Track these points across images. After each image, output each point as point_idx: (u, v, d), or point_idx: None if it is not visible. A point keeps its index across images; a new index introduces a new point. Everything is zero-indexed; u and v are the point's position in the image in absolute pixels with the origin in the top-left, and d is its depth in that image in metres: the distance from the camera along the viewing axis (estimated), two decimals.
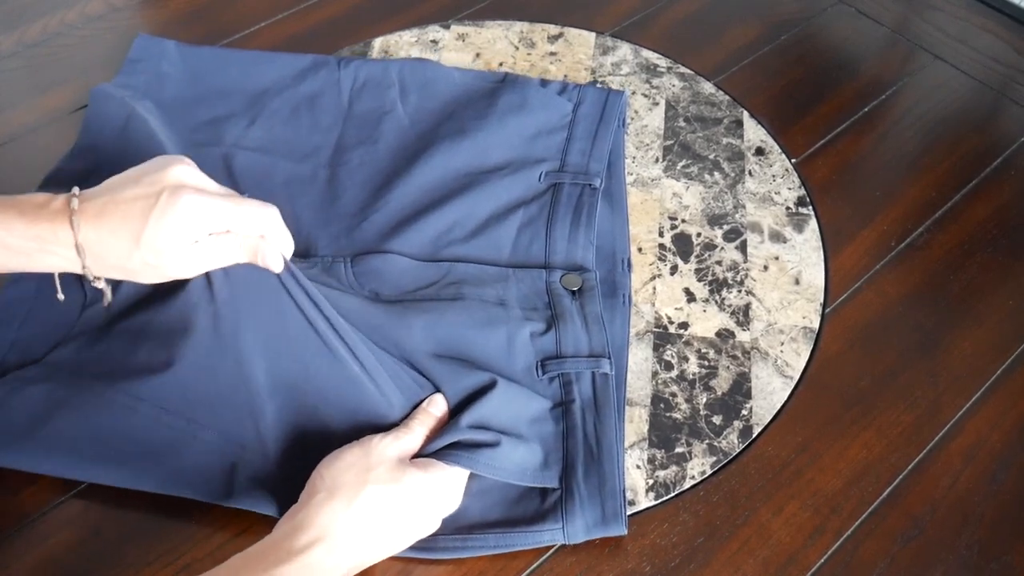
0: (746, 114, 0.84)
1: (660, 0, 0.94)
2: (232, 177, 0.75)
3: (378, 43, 0.89)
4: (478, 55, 0.88)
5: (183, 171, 0.54)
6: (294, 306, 0.57)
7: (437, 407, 0.60)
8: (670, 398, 0.65)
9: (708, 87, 0.86)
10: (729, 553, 0.58)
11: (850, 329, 0.69)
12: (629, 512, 0.59)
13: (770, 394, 0.66)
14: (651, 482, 0.61)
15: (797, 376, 0.67)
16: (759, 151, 0.81)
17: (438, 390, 0.61)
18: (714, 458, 0.62)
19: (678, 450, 0.63)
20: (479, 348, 0.64)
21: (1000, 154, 0.82)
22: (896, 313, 0.71)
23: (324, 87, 0.82)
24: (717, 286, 0.72)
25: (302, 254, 0.70)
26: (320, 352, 0.58)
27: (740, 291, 0.71)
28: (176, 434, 0.58)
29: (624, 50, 0.89)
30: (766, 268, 0.73)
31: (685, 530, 0.59)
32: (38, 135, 0.79)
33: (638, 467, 0.62)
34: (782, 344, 0.68)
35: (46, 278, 0.57)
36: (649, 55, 0.89)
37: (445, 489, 0.56)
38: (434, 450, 0.57)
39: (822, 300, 0.71)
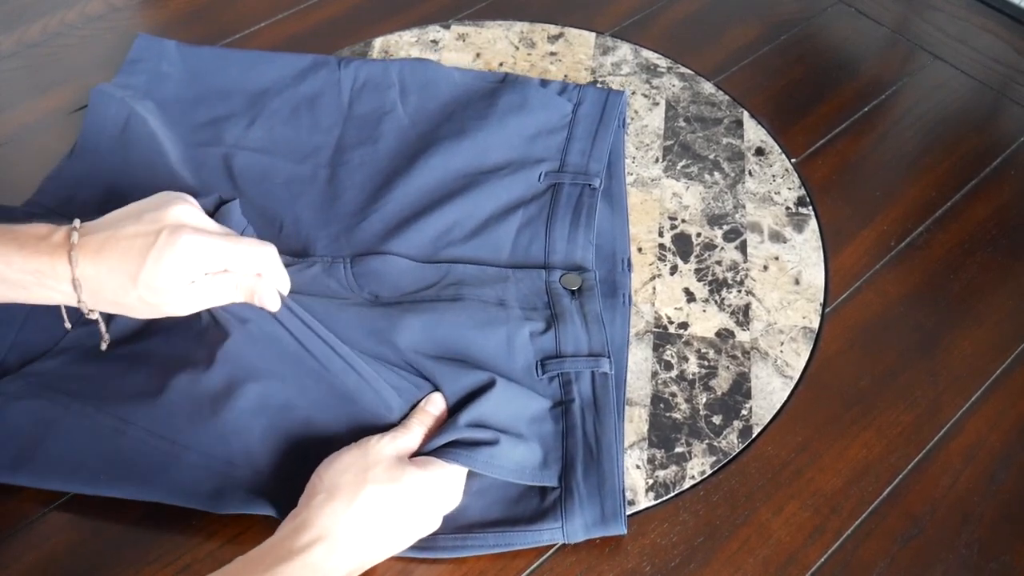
0: (746, 114, 0.84)
1: (660, 0, 0.94)
2: (232, 177, 0.75)
3: (378, 43, 0.89)
4: (478, 55, 0.88)
5: (184, 210, 0.54)
6: (289, 336, 0.59)
7: (435, 406, 0.60)
8: (670, 398, 0.65)
9: (708, 87, 0.86)
10: (729, 553, 0.58)
11: (850, 329, 0.69)
12: (629, 512, 0.59)
13: (770, 394, 0.66)
14: (651, 482, 0.61)
15: (797, 376, 0.67)
16: (759, 151, 0.81)
17: (437, 390, 0.61)
18: (714, 458, 0.62)
19: (678, 450, 0.63)
20: (479, 348, 0.64)
21: (1000, 154, 0.82)
22: (896, 313, 0.71)
23: (324, 87, 0.82)
24: (717, 286, 0.72)
25: (302, 254, 0.70)
26: (313, 372, 0.59)
27: (740, 291, 0.71)
28: (162, 456, 0.58)
29: (624, 50, 0.89)
30: (766, 268, 0.73)
31: (685, 530, 0.59)
32: (38, 135, 0.79)
33: (638, 467, 0.62)
34: (782, 344, 0.68)
35: None
36: (649, 55, 0.89)
37: (444, 487, 0.56)
38: (432, 448, 0.57)
39: (822, 300, 0.71)
